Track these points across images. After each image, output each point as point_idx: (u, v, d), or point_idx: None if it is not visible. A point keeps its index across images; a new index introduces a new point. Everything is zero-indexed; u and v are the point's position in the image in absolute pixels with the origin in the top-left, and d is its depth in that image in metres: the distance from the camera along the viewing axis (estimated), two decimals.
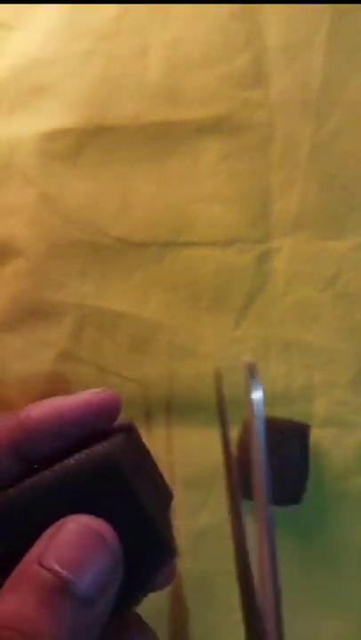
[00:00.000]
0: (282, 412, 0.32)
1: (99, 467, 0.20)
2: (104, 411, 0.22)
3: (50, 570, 0.18)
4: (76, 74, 0.34)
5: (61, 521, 0.19)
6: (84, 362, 0.33)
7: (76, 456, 0.20)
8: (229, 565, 0.31)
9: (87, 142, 0.33)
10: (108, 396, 0.22)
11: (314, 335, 0.32)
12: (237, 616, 0.31)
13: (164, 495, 0.24)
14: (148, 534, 0.20)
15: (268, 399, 0.32)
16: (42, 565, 0.18)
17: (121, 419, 0.23)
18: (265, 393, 0.32)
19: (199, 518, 0.32)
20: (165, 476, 0.28)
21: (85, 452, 0.20)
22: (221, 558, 0.31)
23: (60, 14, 0.34)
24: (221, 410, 0.25)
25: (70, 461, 0.20)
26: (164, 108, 0.33)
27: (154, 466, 0.24)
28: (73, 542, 0.19)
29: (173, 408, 0.32)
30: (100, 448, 0.20)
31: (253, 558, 0.22)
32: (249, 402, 0.21)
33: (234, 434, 0.32)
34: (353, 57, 0.33)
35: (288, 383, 0.32)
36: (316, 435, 0.31)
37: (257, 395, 0.22)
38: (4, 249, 0.34)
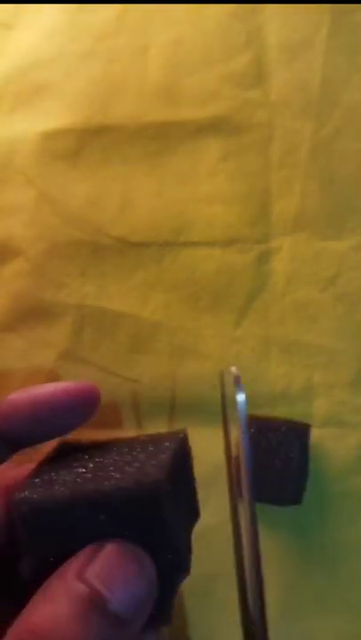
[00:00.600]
0: (282, 412, 0.32)
1: (141, 498, 0.19)
2: (81, 399, 0.23)
3: (89, 585, 0.18)
4: (77, 74, 0.34)
5: (102, 542, 0.20)
6: (84, 362, 0.33)
7: (120, 477, 0.20)
8: (229, 566, 0.31)
9: (87, 142, 0.33)
10: (86, 386, 0.23)
11: (314, 335, 0.32)
12: (237, 616, 0.31)
13: (191, 514, 0.24)
14: (171, 559, 0.20)
15: (268, 399, 0.32)
16: (81, 580, 0.18)
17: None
18: (266, 393, 0.32)
19: (200, 519, 0.32)
20: None
21: (132, 471, 0.20)
22: (222, 559, 0.31)
23: (61, 14, 0.34)
24: (224, 410, 0.26)
25: (112, 481, 0.20)
26: (164, 107, 0.33)
27: (192, 481, 0.24)
28: (114, 563, 0.19)
29: (173, 408, 0.32)
30: (146, 475, 0.20)
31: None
32: (235, 405, 0.22)
33: (234, 433, 0.32)
34: (353, 57, 0.33)
35: (288, 383, 0.32)
36: (316, 435, 0.31)
37: (241, 397, 0.22)
38: (4, 249, 0.34)
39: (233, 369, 0.22)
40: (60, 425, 0.23)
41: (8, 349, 0.33)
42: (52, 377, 0.33)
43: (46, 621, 0.18)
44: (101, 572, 0.19)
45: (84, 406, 0.23)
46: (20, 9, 0.35)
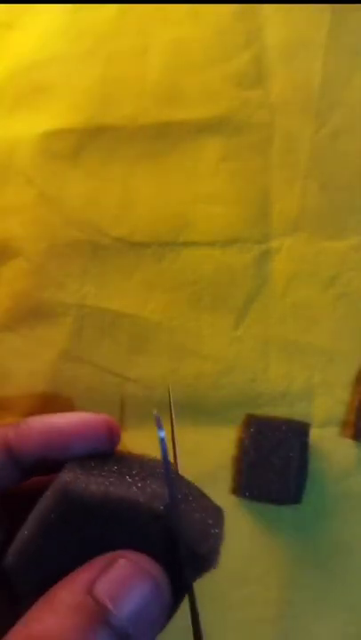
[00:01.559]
0: (282, 412, 0.32)
1: (151, 512, 0.20)
2: (98, 433, 0.23)
3: (98, 601, 0.18)
4: (77, 74, 0.34)
5: (115, 554, 0.19)
6: (84, 362, 0.33)
7: (133, 487, 0.20)
8: (229, 565, 0.31)
9: (87, 142, 0.33)
10: (104, 420, 0.23)
11: (314, 335, 0.32)
12: (237, 615, 0.32)
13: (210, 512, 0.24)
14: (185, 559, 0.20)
15: (267, 399, 0.32)
16: (91, 595, 0.18)
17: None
18: (266, 393, 0.32)
19: None
20: None
21: (142, 485, 0.20)
22: (222, 557, 0.31)
23: (60, 14, 0.34)
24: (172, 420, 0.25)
25: (129, 492, 0.20)
26: (164, 108, 0.33)
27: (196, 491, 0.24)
28: (126, 580, 0.19)
29: (173, 408, 0.32)
30: (156, 490, 0.20)
31: None
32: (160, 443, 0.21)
33: (234, 433, 0.32)
34: (354, 57, 0.33)
35: (288, 383, 0.32)
36: (316, 435, 0.31)
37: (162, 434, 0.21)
38: (4, 249, 0.34)
39: (154, 412, 0.21)
40: (73, 455, 0.22)
41: (8, 349, 0.33)
42: (52, 377, 0.33)
43: (51, 633, 0.17)
44: (112, 588, 0.18)
45: (100, 440, 0.23)
46: (19, 9, 0.35)
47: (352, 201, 0.33)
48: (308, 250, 0.32)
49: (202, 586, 0.31)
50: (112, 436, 0.24)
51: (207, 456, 0.32)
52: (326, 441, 0.32)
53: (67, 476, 0.20)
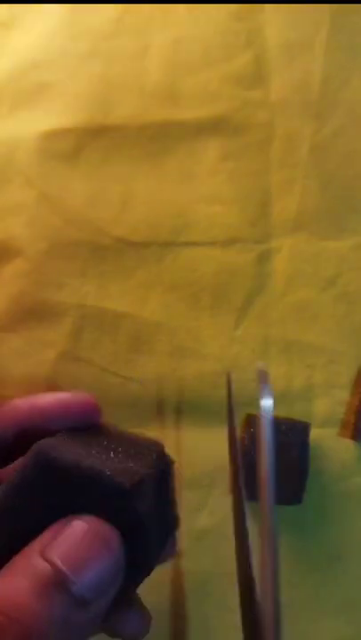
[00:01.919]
0: (282, 412, 0.32)
1: (115, 486, 0.20)
2: (76, 411, 0.24)
3: (51, 563, 0.18)
4: (77, 74, 0.34)
5: (69, 517, 0.19)
6: (84, 362, 0.33)
7: (111, 465, 0.20)
8: (229, 566, 0.31)
9: (87, 142, 0.33)
10: (82, 399, 0.25)
11: (314, 335, 0.32)
12: (237, 617, 0.31)
13: (167, 525, 0.24)
14: (141, 553, 0.21)
15: None
16: (44, 558, 0.18)
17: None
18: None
19: (199, 518, 0.32)
20: None
21: (118, 466, 0.21)
22: (221, 559, 0.31)
23: (61, 14, 0.34)
24: (230, 411, 0.26)
25: (105, 470, 0.20)
26: (165, 107, 0.33)
27: (170, 494, 0.24)
28: (78, 542, 0.19)
29: (173, 408, 0.32)
30: (128, 475, 0.20)
31: (255, 559, 0.22)
32: (259, 407, 0.21)
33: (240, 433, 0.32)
34: (353, 57, 0.33)
35: (288, 383, 0.32)
36: (316, 434, 0.31)
37: (267, 402, 0.22)
38: (4, 249, 0.34)
39: (260, 364, 0.22)
40: (52, 432, 0.23)
41: (7, 349, 0.33)
42: (52, 377, 0.33)
43: (5, 596, 0.17)
44: (65, 551, 0.18)
45: (78, 417, 0.24)
46: (20, 9, 0.35)
47: (352, 201, 0.33)
48: (308, 250, 0.32)
49: (202, 588, 0.32)
50: (91, 412, 0.25)
51: (207, 456, 0.32)
52: (326, 441, 0.32)
53: (47, 442, 0.21)
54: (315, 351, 0.32)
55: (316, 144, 0.33)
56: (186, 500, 0.32)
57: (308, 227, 0.33)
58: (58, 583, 0.18)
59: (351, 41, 0.33)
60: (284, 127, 0.33)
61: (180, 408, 0.32)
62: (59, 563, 0.18)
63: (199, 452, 0.32)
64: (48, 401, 0.24)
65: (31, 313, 0.33)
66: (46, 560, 0.18)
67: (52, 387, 0.33)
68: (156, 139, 0.33)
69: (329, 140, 0.33)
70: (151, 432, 0.32)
